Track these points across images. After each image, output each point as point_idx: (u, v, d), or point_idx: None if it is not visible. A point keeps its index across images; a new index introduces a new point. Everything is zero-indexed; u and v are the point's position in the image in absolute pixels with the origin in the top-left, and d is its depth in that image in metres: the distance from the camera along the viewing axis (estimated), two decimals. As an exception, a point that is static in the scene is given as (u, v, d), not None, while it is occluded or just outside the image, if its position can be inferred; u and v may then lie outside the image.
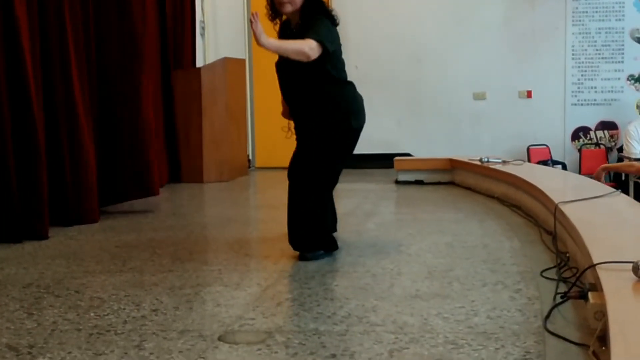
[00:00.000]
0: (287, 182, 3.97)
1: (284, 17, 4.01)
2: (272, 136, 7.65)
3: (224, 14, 9.05)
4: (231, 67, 7.83)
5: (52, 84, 4.94)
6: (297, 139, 4.05)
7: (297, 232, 3.94)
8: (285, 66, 3.92)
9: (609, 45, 9.05)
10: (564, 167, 8.90)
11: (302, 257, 3.89)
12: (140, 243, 4.44)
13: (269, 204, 6.21)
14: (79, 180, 5.09)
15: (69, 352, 2.46)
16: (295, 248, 3.95)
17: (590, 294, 2.51)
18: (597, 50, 9.08)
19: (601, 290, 2.45)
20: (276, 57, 3.96)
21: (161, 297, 3.14)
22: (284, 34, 4.00)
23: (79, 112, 5.08)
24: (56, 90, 4.96)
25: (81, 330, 2.70)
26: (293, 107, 4.03)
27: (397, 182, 7.47)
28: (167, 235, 4.71)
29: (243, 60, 8.49)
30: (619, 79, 9.07)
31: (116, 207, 5.76)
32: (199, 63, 8.31)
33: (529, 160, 8.57)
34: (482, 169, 6.57)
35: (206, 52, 8.69)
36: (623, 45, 9.03)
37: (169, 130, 7.52)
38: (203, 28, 8.66)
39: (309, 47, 3.68)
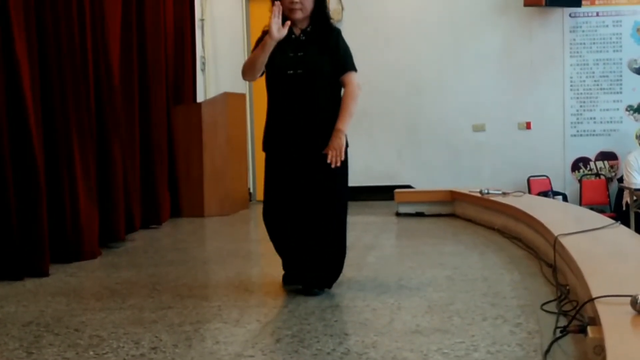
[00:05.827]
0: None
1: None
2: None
3: (224, 49, 9.13)
4: (232, 101, 7.88)
5: (53, 120, 4.97)
6: (303, 169, 3.77)
7: (324, 269, 3.81)
8: (304, 79, 3.73)
9: (607, 76, 9.09)
10: (565, 198, 8.89)
11: (312, 293, 3.78)
12: (140, 279, 4.44)
13: (270, 237, 6.20)
14: (78, 216, 5.10)
15: (67, 392, 2.46)
16: (313, 287, 3.79)
17: (589, 328, 2.51)
18: (595, 81, 9.12)
19: (600, 324, 2.44)
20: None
21: (160, 335, 3.14)
22: (285, 42, 3.67)
23: (75, 149, 5.12)
24: (56, 127, 4.99)
25: (80, 369, 2.69)
26: (302, 124, 3.74)
27: (398, 214, 7.48)
28: (168, 270, 4.71)
29: (243, 95, 8.54)
30: (617, 109, 9.10)
31: (116, 243, 5.75)
32: (200, 98, 8.38)
33: (530, 191, 8.56)
34: (482, 201, 6.58)
35: (207, 87, 8.76)
36: (621, 76, 9.08)
37: (170, 165, 7.55)
38: (204, 63, 8.74)
39: (358, 87, 3.78)
